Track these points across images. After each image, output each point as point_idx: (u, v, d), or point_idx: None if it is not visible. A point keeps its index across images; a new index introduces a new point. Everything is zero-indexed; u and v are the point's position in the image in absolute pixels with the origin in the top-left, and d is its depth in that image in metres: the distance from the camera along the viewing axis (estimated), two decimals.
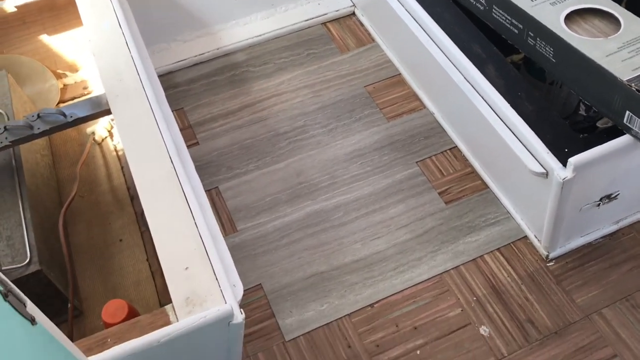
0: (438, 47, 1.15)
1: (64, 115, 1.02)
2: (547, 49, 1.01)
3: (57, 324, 0.72)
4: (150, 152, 0.96)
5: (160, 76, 1.44)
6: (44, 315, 0.55)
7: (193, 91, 1.45)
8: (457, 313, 1.08)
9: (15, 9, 1.30)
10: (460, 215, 1.20)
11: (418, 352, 1.04)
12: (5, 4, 1.27)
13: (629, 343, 1.02)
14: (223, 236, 1.18)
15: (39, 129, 1.01)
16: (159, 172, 0.93)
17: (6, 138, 1.00)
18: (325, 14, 1.56)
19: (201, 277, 0.80)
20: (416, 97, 1.39)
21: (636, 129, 0.90)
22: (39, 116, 1.01)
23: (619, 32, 0.96)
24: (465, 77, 1.09)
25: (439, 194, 1.23)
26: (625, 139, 0.94)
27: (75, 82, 1.42)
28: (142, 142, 0.97)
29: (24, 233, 0.95)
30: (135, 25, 1.22)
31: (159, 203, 0.89)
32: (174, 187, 0.90)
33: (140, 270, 1.10)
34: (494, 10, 1.10)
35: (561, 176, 0.93)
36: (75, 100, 1.37)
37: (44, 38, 1.37)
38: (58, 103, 1.38)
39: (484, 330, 1.06)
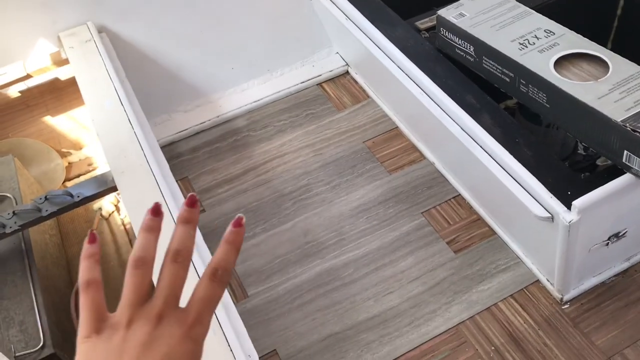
0: (432, 100, 1.17)
1: (71, 195, 1.04)
2: (539, 95, 1.03)
3: None
4: None
5: (163, 147, 1.46)
6: None
7: (196, 159, 1.47)
8: None
9: (19, 94, 1.34)
10: (470, 264, 1.19)
11: None
12: (9, 90, 1.31)
13: None
14: (235, 303, 1.18)
15: (47, 211, 1.02)
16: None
17: (15, 222, 1.01)
18: (320, 75, 1.60)
19: (216, 351, 0.79)
20: (415, 149, 1.41)
21: (636, 168, 0.91)
22: (46, 198, 1.03)
23: (608, 75, 0.98)
24: (462, 128, 1.11)
25: (447, 243, 1.23)
26: (626, 177, 0.94)
27: (80, 160, 1.44)
28: None
29: (37, 317, 0.95)
30: (136, 100, 1.25)
31: None
32: None
33: None
34: (484, 61, 1.13)
35: (567, 219, 0.93)
36: (81, 179, 1.39)
37: (48, 119, 1.41)
38: (64, 181, 1.41)
39: None
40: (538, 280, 1.15)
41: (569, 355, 1.05)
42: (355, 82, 1.59)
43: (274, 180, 1.40)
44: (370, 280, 1.20)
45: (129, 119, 1.13)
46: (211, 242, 1.28)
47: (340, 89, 1.59)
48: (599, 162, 1.26)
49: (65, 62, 1.31)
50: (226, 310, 0.85)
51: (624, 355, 1.04)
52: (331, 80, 1.61)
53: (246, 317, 1.15)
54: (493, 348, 1.07)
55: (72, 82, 1.30)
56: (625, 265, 1.14)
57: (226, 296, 0.89)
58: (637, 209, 1.03)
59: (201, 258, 0.92)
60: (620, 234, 1.04)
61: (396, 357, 1.08)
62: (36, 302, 0.96)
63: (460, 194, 1.30)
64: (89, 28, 1.34)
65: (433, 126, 1.21)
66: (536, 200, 0.98)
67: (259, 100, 1.56)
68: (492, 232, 1.23)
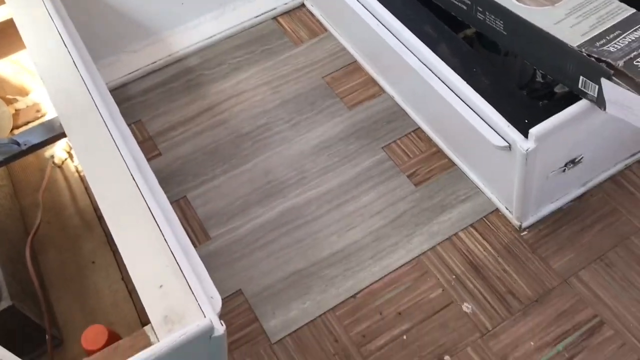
0: (389, 31, 1.14)
1: (18, 143, 1.00)
2: (497, 22, 1.01)
3: (38, 356, 0.68)
4: (111, 171, 0.93)
5: (113, 90, 1.41)
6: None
7: (149, 101, 1.42)
8: (438, 293, 1.08)
9: None
10: (431, 196, 1.20)
11: (404, 337, 1.04)
12: None
13: (608, 302, 1.04)
14: (197, 246, 1.17)
15: None
16: (121, 191, 0.91)
17: None
18: (275, 9, 1.54)
19: (177, 294, 0.78)
20: (375, 83, 1.39)
21: (591, 93, 0.91)
22: None
23: None
24: (419, 59, 1.09)
25: (408, 176, 1.23)
26: (582, 103, 0.95)
27: (27, 106, 1.38)
28: (101, 163, 0.94)
29: None
30: (80, 41, 1.19)
31: (125, 223, 0.87)
32: (138, 205, 0.88)
33: (117, 291, 1.08)
34: None
35: (524, 148, 0.93)
36: (29, 126, 1.34)
37: None
38: (12, 129, 1.35)
39: (466, 307, 1.06)
40: (497, 209, 1.17)
41: (527, 279, 1.08)
42: (312, 14, 1.54)
43: (231, 120, 1.37)
44: (333, 216, 1.20)
45: (74, 62, 1.07)
46: (168, 186, 1.26)
47: (297, 22, 1.54)
48: (556, 89, 1.26)
49: (1, 2, 1.22)
50: (186, 254, 0.84)
51: (578, 277, 1.08)
52: (287, 13, 1.56)
53: (209, 260, 1.15)
54: (454, 277, 1.10)
55: (10, 24, 1.22)
56: (581, 190, 1.16)
57: (185, 240, 0.88)
58: (593, 134, 1.04)
59: (157, 202, 0.90)
60: (577, 160, 1.05)
61: (359, 290, 1.10)
62: None
63: (419, 127, 1.30)
64: None
65: (391, 58, 1.19)
66: (494, 129, 0.98)
67: (212, 37, 1.50)
68: (451, 163, 1.24)
